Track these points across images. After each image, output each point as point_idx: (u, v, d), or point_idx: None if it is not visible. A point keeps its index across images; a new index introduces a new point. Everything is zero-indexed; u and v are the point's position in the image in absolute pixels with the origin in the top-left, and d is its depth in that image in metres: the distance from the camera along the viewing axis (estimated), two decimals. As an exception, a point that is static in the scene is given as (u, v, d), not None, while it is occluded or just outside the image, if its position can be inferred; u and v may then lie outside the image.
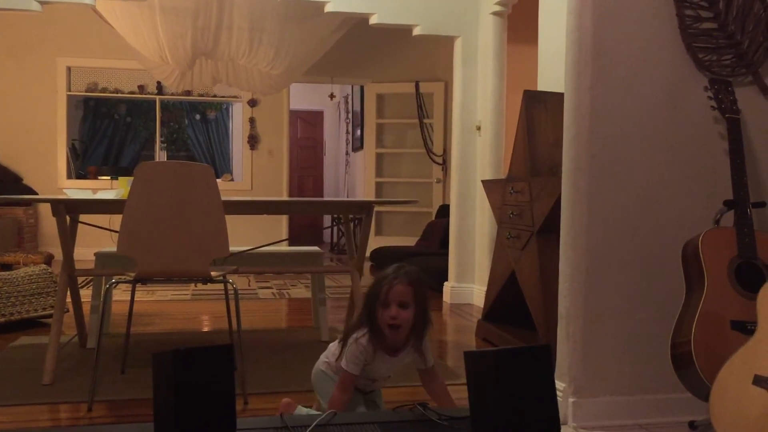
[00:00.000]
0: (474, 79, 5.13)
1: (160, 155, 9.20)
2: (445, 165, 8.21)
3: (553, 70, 3.98)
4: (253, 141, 8.46)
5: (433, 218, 7.97)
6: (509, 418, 1.08)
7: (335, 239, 9.97)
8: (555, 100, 3.51)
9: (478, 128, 5.09)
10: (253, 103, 8.43)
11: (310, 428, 1.29)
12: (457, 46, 5.17)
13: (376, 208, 3.52)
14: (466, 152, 5.18)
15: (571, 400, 2.44)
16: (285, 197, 8.53)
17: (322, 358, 2.21)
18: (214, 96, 8.56)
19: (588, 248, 2.49)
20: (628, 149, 2.50)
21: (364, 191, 8.83)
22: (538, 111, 3.58)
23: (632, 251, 2.51)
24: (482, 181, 4.32)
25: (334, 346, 2.15)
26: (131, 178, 2.85)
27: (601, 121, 2.47)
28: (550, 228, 3.24)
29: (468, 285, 5.22)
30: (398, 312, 2.00)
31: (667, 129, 2.53)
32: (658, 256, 2.52)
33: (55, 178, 7.76)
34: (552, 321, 3.08)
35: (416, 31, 5.11)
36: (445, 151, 8.21)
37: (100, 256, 3.62)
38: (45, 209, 7.28)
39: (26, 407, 2.67)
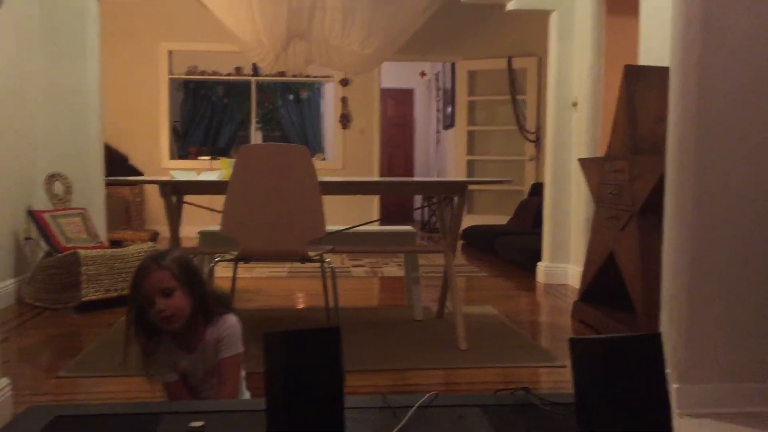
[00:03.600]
0: (570, 54, 4.99)
1: (255, 135, 9.45)
2: (538, 142, 8.05)
3: (656, 43, 3.81)
4: (345, 120, 8.55)
5: (526, 196, 7.85)
6: (617, 408, 1.06)
7: (425, 218, 9.98)
8: (658, 74, 3.37)
9: (575, 105, 4.96)
10: (345, 82, 8.51)
11: (413, 409, 1.31)
12: (553, 19, 5.04)
13: (468, 187, 3.49)
14: (562, 129, 5.06)
15: (674, 386, 2.37)
16: (376, 176, 8.59)
17: None
18: (307, 76, 8.69)
19: (693, 230, 2.39)
20: (739, 127, 2.37)
21: (454, 169, 8.78)
22: (639, 86, 3.45)
23: (741, 234, 2.40)
24: (579, 160, 4.21)
25: None
26: (232, 160, 2.95)
27: (709, 97, 2.36)
28: (651, 208, 3.13)
29: (562, 265, 5.13)
30: (164, 302, 1.77)
31: (782, 104, 2.39)
32: (771, 239, 2.40)
33: (158, 159, 8.11)
34: (652, 304, 2.99)
35: (510, 6, 5.01)
36: (538, 128, 8.04)
37: (204, 235, 3.77)
38: (150, 189, 7.63)
39: (138, 378, 2.82)
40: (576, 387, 1.14)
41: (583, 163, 4.08)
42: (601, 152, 4.57)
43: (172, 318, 1.77)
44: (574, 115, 4.97)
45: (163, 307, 1.75)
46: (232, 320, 1.88)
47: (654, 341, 1.06)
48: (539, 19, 5.44)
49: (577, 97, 4.93)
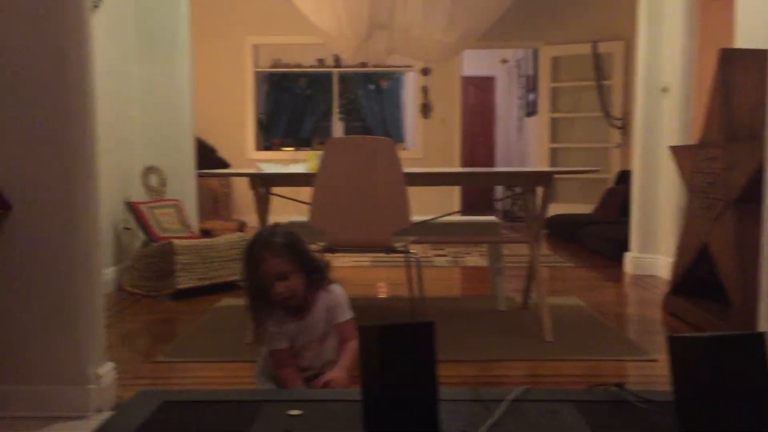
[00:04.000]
0: (660, 38, 4.82)
1: (337, 126, 9.57)
2: (624, 129, 7.82)
3: (753, 25, 3.64)
4: (425, 109, 8.55)
5: (612, 185, 7.65)
6: (718, 408, 1.04)
7: (507, 206, 9.88)
8: (756, 58, 3.22)
9: (665, 90, 4.79)
10: (425, 71, 8.50)
11: (505, 403, 1.32)
12: (642, 2, 4.88)
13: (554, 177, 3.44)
14: (651, 115, 4.90)
15: (774, 383, 2.27)
16: (457, 165, 8.56)
17: (258, 368, 2.12)
18: (388, 66, 8.73)
19: (796, 221, 2.29)
20: None
21: (537, 157, 8.64)
22: (736, 71, 3.30)
23: None
24: (670, 147, 4.08)
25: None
26: (319, 152, 3.01)
27: (815, 81, 2.24)
28: (748, 198, 3.01)
29: (652, 256, 4.98)
30: (282, 285, 1.88)
31: None
32: None
33: (244, 150, 8.35)
34: (749, 297, 2.88)
35: (597, -10, 4.87)
36: (624, 114, 7.81)
37: (291, 225, 3.86)
38: (236, 180, 7.86)
39: (232, 363, 2.94)
40: (675, 385, 1.12)
41: (675, 150, 3.95)
42: (693, 139, 4.41)
43: (291, 297, 1.89)
44: (665, 100, 4.80)
45: (282, 290, 1.87)
46: (338, 289, 2.03)
47: (757, 341, 1.03)
48: (625, 1, 5.28)
49: (668, 82, 4.76)
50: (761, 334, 1.05)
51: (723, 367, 1.03)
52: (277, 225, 2.00)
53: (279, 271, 1.86)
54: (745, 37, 3.73)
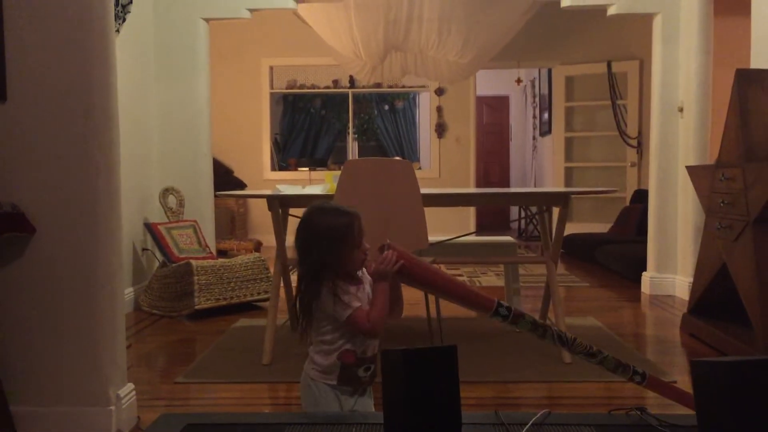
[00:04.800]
0: (675, 57, 4.82)
1: (352, 146, 9.62)
2: (640, 148, 7.81)
3: (770, 44, 3.64)
4: (440, 129, 8.59)
5: (628, 203, 7.62)
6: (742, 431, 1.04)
7: (523, 226, 9.86)
8: (773, 78, 3.22)
9: (681, 109, 4.79)
10: (440, 92, 8.55)
11: (527, 427, 1.32)
12: (657, 22, 4.89)
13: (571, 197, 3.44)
14: (667, 135, 4.90)
15: (797, 406, 2.25)
16: (472, 184, 8.57)
17: (308, 369, 1.87)
18: (403, 86, 8.78)
19: (817, 242, 2.28)
20: None
21: (552, 177, 8.64)
22: (753, 91, 3.30)
23: None
24: (687, 167, 4.07)
25: (315, 355, 1.85)
26: (337, 173, 3.04)
27: (833, 102, 2.24)
28: (768, 218, 3.00)
29: (669, 276, 4.95)
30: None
31: None
32: None
33: (260, 171, 8.40)
34: (771, 318, 2.86)
35: (611, 11, 4.90)
36: (640, 133, 7.80)
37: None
38: (253, 201, 7.91)
39: (250, 385, 2.95)
40: (698, 410, 1.12)
41: (692, 170, 3.94)
42: (710, 159, 4.40)
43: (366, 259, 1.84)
44: (681, 120, 4.80)
45: (368, 246, 1.81)
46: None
47: (783, 365, 1.03)
48: (640, 21, 5.29)
49: (683, 101, 4.76)
50: (785, 359, 1.05)
51: (746, 392, 1.03)
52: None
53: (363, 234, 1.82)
54: (761, 57, 3.74)
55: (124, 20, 4.26)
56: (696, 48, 4.58)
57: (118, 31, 4.16)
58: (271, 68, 8.46)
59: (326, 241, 1.76)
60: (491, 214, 10.65)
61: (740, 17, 4.29)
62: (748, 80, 3.34)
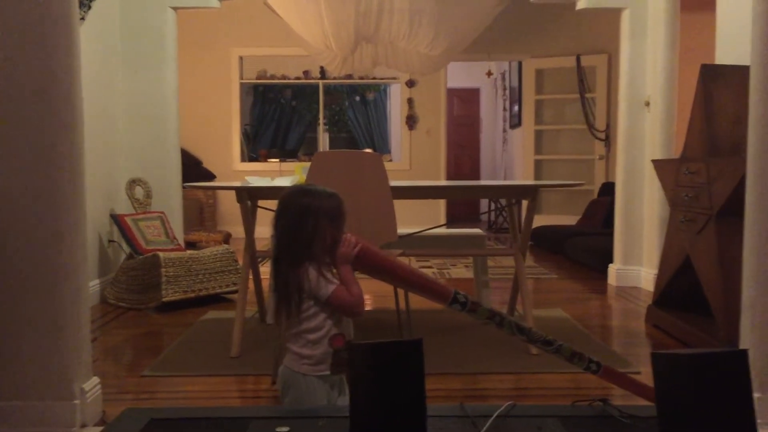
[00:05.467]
0: (642, 52, 4.88)
1: (323, 137, 9.58)
2: (608, 141, 7.90)
3: (734, 41, 3.70)
4: (411, 121, 8.59)
5: (596, 196, 7.71)
6: (700, 424, 1.06)
7: (492, 218, 9.93)
8: (737, 74, 3.27)
9: (647, 104, 4.85)
10: (411, 83, 8.55)
11: (492, 419, 1.33)
12: (625, 17, 4.94)
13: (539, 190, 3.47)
14: (634, 129, 4.96)
15: (756, 395, 2.30)
16: (442, 177, 8.60)
17: (295, 365, 1.81)
18: (374, 78, 8.76)
19: (776, 234, 2.32)
20: (825, 129, 2.29)
21: (522, 169, 8.70)
22: (717, 86, 3.36)
23: (828, 239, 2.31)
24: (653, 161, 4.13)
25: (302, 348, 1.81)
26: (306, 165, 3.02)
27: (793, 98, 2.28)
28: (730, 211, 3.05)
29: (635, 267, 5.03)
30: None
31: None
32: None
33: (230, 162, 8.33)
34: (732, 309, 2.92)
35: (580, 5, 4.93)
36: (608, 126, 7.89)
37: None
38: (222, 192, 7.83)
39: (217, 378, 2.93)
40: (658, 401, 1.14)
41: (658, 164, 4.00)
42: (675, 153, 4.47)
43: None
44: (647, 114, 4.87)
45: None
46: None
47: (740, 358, 1.05)
48: (609, 15, 5.35)
49: (650, 95, 4.82)
50: (743, 352, 1.07)
51: (705, 384, 1.05)
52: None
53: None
54: (726, 53, 3.80)
55: (89, 8, 4.18)
56: (662, 43, 4.64)
57: (83, 18, 4.09)
58: (241, 58, 8.38)
59: (320, 220, 1.78)
60: (462, 206, 10.71)
61: (706, 13, 4.35)
62: (712, 76, 3.39)
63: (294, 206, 1.81)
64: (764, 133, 2.34)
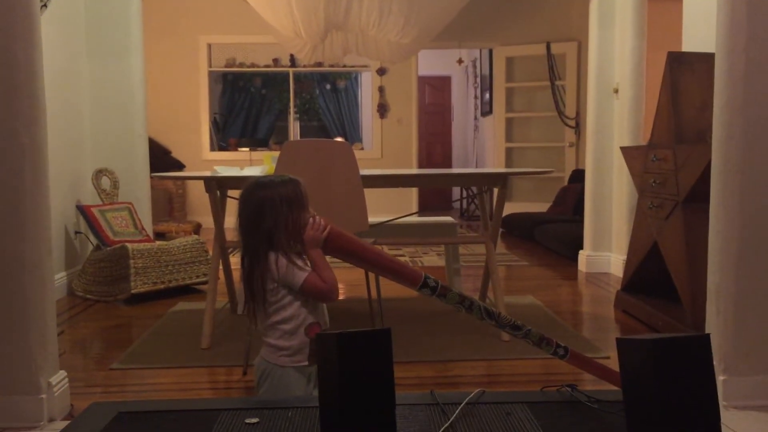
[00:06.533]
0: (611, 40, 4.92)
1: (294, 126, 9.52)
2: (578, 128, 7.97)
3: (700, 29, 3.75)
4: (382, 110, 8.57)
5: (566, 183, 7.78)
6: (665, 407, 1.07)
7: (465, 205, 9.97)
8: (703, 61, 3.32)
9: (616, 91, 4.89)
10: (382, 71, 8.52)
11: (461, 406, 1.33)
12: (593, 5, 4.97)
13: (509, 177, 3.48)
14: (603, 116, 5.00)
15: (721, 378, 2.35)
16: (414, 165, 8.60)
17: (272, 357, 1.81)
18: (344, 66, 8.72)
19: (741, 220, 2.37)
20: (788, 115, 2.33)
21: (493, 157, 8.74)
22: (683, 73, 3.40)
23: (791, 224, 2.36)
24: (621, 148, 4.16)
25: (278, 340, 1.80)
26: (276, 154, 2.99)
27: (756, 86, 2.32)
28: (697, 197, 3.10)
29: (605, 254, 5.09)
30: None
31: (833, 92, 2.33)
32: (821, 229, 2.36)
33: (199, 151, 8.24)
34: (698, 294, 2.97)
35: (549, -7, 4.95)
36: (578, 113, 7.95)
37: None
38: (192, 182, 7.75)
39: (188, 369, 2.91)
40: (624, 386, 1.15)
41: (626, 151, 4.04)
42: (643, 140, 4.52)
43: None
44: (616, 101, 4.91)
45: (313, 212, 1.82)
46: None
47: (703, 342, 1.07)
48: (578, 3, 5.37)
49: (618, 83, 4.86)
50: (706, 336, 1.09)
51: (669, 368, 1.06)
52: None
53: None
54: (692, 40, 3.84)
55: (52, -6, 4.09)
56: (630, 31, 4.68)
57: (45, 5, 4.00)
58: (209, 46, 8.28)
59: (278, 209, 1.76)
60: (434, 194, 10.73)
61: (672, 2, 4.40)
62: (678, 63, 3.42)
63: (251, 201, 1.80)
64: (729, 119, 2.38)
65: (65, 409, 2.35)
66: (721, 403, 2.32)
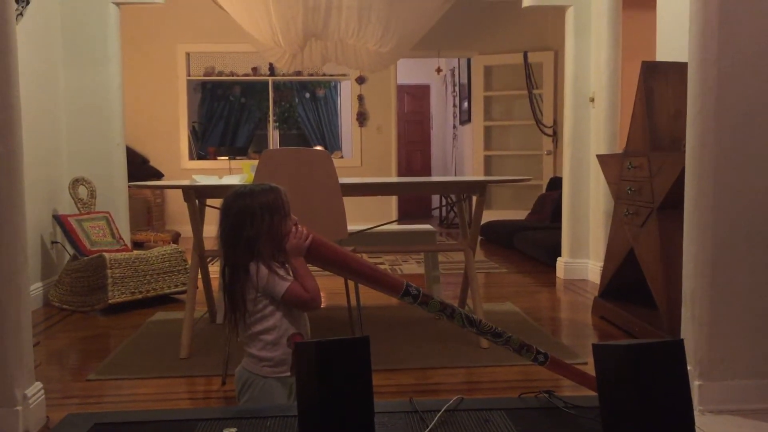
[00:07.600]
0: (587, 49, 4.98)
1: (273, 134, 9.50)
2: (555, 136, 8.04)
3: (673, 38, 3.81)
4: (361, 118, 8.58)
5: (544, 191, 7.84)
6: (641, 412, 1.09)
7: (444, 213, 10.00)
8: (676, 70, 3.37)
9: (592, 100, 4.95)
10: (361, 80, 8.54)
11: (440, 413, 1.34)
12: (569, 15, 5.03)
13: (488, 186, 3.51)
14: (579, 125, 5.05)
15: (696, 383, 2.38)
16: (394, 173, 8.62)
17: (255, 368, 1.79)
18: (324, 75, 8.72)
19: (714, 226, 2.40)
20: (759, 122, 2.38)
21: (472, 165, 8.79)
22: (657, 82, 3.45)
23: (763, 229, 2.40)
24: (597, 156, 4.21)
25: (261, 351, 1.79)
26: (255, 163, 2.99)
27: (728, 95, 2.36)
28: (671, 204, 3.14)
29: (582, 260, 5.13)
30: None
31: (802, 101, 2.38)
32: (792, 235, 2.40)
33: (178, 159, 8.19)
34: (674, 300, 3.00)
35: (526, 3, 5.00)
36: (555, 122, 8.03)
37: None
38: (170, 191, 7.70)
39: (166, 380, 2.88)
40: (600, 391, 1.16)
41: (602, 159, 4.08)
42: (619, 147, 4.57)
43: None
44: (592, 110, 4.96)
45: (296, 219, 1.82)
46: None
47: (677, 347, 1.09)
48: (554, 13, 5.43)
49: (594, 92, 4.92)
50: (680, 342, 1.11)
51: (644, 373, 1.08)
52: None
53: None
54: (666, 50, 3.90)
55: (27, 2, 4.06)
56: (606, 40, 4.74)
57: (21, 14, 3.96)
58: (188, 54, 8.25)
59: (260, 218, 1.75)
60: (413, 202, 10.76)
61: (647, 11, 4.46)
62: (653, 72, 3.48)
63: (232, 210, 1.79)
64: (702, 127, 2.42)
65: (41, 421, 2.32)
66: (697, 407, 2.35)
